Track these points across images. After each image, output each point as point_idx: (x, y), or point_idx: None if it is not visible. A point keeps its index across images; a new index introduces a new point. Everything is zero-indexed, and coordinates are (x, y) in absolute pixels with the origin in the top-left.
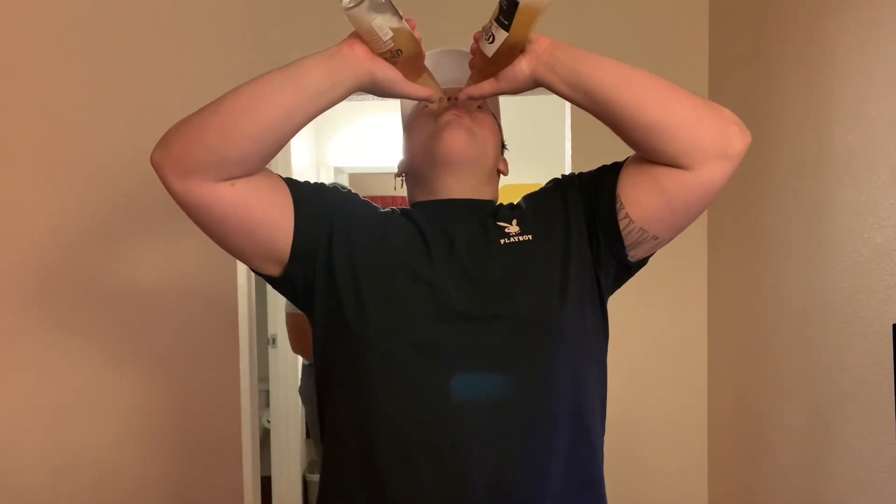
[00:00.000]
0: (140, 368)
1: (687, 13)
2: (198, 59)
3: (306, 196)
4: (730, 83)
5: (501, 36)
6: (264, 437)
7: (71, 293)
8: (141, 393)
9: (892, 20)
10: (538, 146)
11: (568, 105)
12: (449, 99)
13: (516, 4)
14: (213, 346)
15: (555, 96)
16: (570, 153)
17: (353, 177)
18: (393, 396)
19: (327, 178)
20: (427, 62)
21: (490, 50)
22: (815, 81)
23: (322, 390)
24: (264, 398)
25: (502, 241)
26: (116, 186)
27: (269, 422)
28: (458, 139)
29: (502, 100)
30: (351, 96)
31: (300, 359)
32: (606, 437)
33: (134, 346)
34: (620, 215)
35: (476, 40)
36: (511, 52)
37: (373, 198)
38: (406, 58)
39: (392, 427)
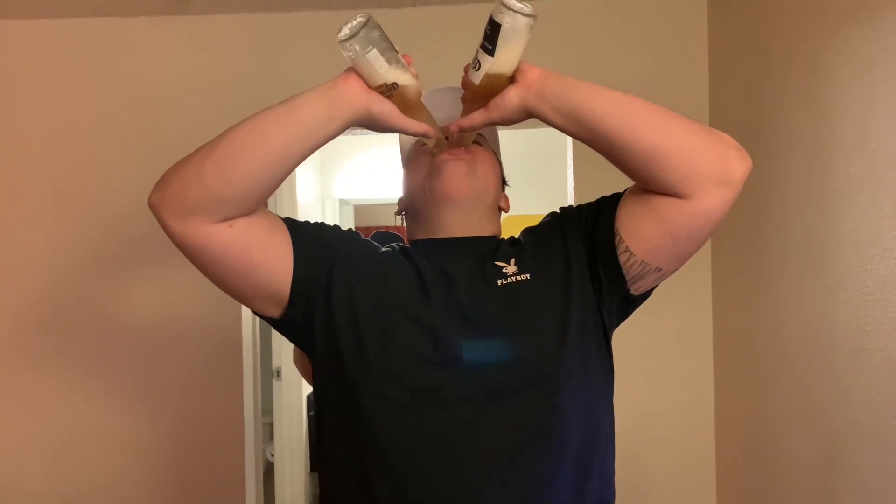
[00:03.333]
0: (144, 401)
1: (687, 47)
2: (205, 99)
3: (306, 238)
4: (730, 117)
5: (487, 62)
6: (268, 471)
7: (75, 327)
8: (145, 426)
9: (892, 52)
10: (541, 177)
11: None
12: (447, 138)
13: (499, 27)
14: (217, 378)
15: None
16: (572, 184)
17: (358, 208)
18: (393, 441)
19: (332, 210)
20: (423, 100)
21: (477, 77)
22: (815, 115)
23: (321, 429)
24: (268, 431)
25: (500, 282)
26: (122, 222)
27: (272, 455)
28: (456, 178)
29: (504, 132)
30: (357, 130)
31: (304, 392)
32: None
33: (138, 379)
34: (620, 249)
35: (466, 72)
36: (499, 78)
37: (378, 228)
38: (402, 92)
39: (392, 471)
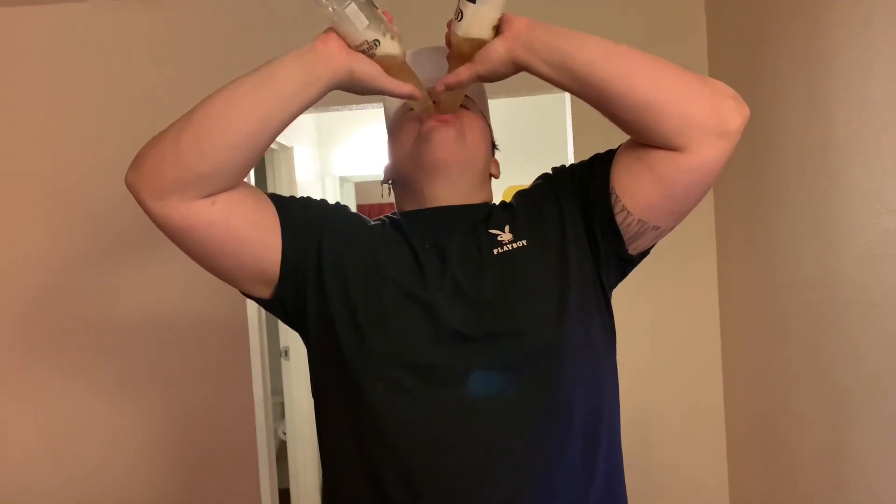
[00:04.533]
0: (153, 386)
1: (685, 5)
2: (200, 84)
3: (293, 213)
4: (729, 75)
5: (469, 10)
6: (281, 450)
7: (80, 319)
8: (155, 410)
9: (890, 4)
10: (540, 146)
11: (568, 103)
12: (435, 102)
13: None
14: (226, 361)
15: (555, 95)
16: (572, 151)
17: (359, 186)
18: (394, 422)
19: (333, 188)
20: (407, 61)
21: (461, 28)
22: (814, 70)
23: (319, 411)
24: (279, 410)
25: (495, 252)
26: (122, 210)
27: (284, 434)
28: (446, 146)
29: (503, 101)
30: (354, 105)
31: None
32: (622, 439)
33: (146, 364)
34: (617, 209)
35: (449, 27)
36: (483, 29)
37: (379, 206)
38: (384, 50)
39: (395, 453)
